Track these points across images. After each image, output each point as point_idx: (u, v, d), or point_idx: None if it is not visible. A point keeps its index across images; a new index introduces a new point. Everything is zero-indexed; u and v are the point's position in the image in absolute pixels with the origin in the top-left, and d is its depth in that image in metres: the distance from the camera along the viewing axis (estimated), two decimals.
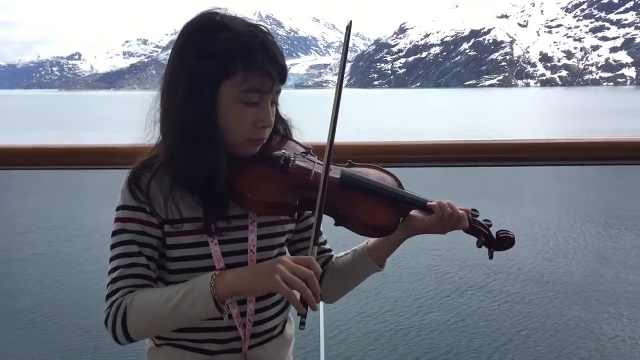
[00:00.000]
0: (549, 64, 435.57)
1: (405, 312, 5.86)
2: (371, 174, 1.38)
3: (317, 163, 1.31)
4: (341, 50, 1.27)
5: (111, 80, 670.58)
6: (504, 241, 1.35)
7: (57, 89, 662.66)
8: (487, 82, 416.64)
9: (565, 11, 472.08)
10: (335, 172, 1.30)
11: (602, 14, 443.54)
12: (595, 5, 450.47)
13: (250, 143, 1.25)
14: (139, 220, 1.21)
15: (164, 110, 1.24)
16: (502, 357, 4.95)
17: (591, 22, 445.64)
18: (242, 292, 1.14)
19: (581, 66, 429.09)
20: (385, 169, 1.42)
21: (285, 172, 1.27)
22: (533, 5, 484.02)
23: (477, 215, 1.37)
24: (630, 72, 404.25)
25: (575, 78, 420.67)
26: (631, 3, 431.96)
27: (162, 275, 1.26)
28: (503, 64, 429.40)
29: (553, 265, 7.25)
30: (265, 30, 1.25)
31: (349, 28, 1.28)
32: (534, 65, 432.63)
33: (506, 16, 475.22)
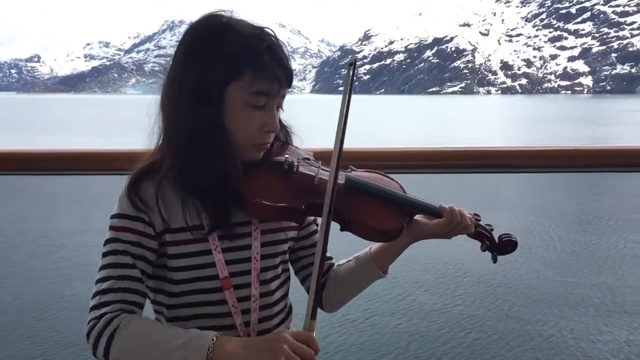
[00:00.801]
0: (509, 72, 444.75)
1: (359, 317, 5.90)
2: (374, 178, 1.38)
3: (321, 169, 1.31)
4: (344, 84, 1.25)
5: (72, 83, 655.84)
6: (507, 245, 1.37)
7: (15, 92, 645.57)
8: (450, 90, 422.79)
9: (525, 21, 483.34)
10: (340, 177, 1.27)
11: (561, 24, 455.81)
12: (554, 16, 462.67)
13: (255, 148, 1.23)
14: (135, 230, 1.17)
15: (167, 115, 1.21)
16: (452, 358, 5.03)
17: (550, 32, 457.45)
18: None
19: (540, 74, 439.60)
20: (388, 174, 1.42)
21: (289, 177, 1.26)
22: (494, 15, 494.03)
23: (480, 220, 1.39)
24: (587, 80, 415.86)
25: (534, 86, 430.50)
26: (588, 14, 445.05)
27: (163, 287, 1.23)
28: (465, 71, 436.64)
29: (502, 268, 7.40)
30: (272, 33, 1.23)
31: (353, 65, 1.25)
32: (495, 73, 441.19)
33: (468, 25, 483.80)
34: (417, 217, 1.35)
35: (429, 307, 6.16)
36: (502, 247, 1.37)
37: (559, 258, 8.00)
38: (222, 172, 1.17)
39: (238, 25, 1.20)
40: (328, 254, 1.40)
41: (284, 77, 1.20)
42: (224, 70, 1.17)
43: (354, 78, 1.25)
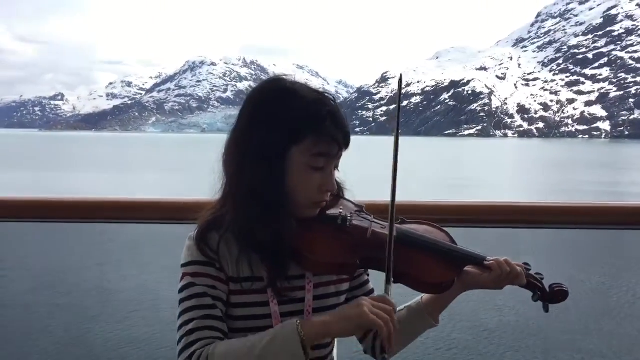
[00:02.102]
0: (526, 116, 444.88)
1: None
2: (424, 230, 1.40)
3: (373, 221, 1.34)
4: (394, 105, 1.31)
5: (93, 121, 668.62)
6: (558, 294, 1.37)
7: (38, 129, 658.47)
8: (467, 132, 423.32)
9: (542, 65, 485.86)
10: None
11: (578, 69, 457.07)
12: (570, 61, 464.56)
13: (313, 205, 1.29)
14: (209, 275, 1.23)
15: (231, 173, 1.27)
16: None
17: (567, 77, 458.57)
18: (332, 333, 1.15)
19: (557, 118, 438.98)
20: (437, 225, 1.44)
21: (343, 231, 1.29)
22: (511, 59, 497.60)
23: (530, 270, 1.39)
24: (605, 125, 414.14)
25: (551, 130, 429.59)
26: (605, 59, 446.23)
27: None
28: (482, 114, 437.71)
29: (498, 313, 7.19)
30: (332, 97, 1.30)
31: (400, 82, 1.32)
32: (511, 116, 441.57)
33: (485, 69, 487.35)
34: (468, 268, 1.37)
35: (422, 352, 5.98)
36: (553, 296, 1.37)
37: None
38: (279, 229, 1.22)
39: (301, 90, 1.26)
40: None
41: (343, 140, 1.26)
42: (287, 134, 1.22)
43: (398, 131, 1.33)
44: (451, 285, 1.34)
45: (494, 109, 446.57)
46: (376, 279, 1.43)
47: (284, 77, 1.30)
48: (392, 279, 1.25)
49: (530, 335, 6.55)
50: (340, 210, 1.33)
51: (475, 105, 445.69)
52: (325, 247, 1.26)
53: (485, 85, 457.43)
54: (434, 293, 1.36)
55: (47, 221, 1.93)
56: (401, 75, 1.34)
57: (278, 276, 1.24)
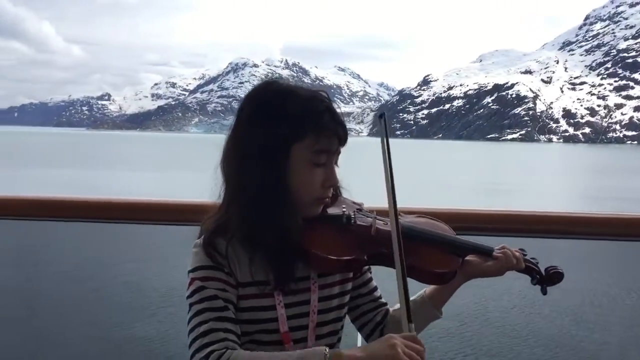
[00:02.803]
0: (572, 121, 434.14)
1: None
2: (424, 223, 1.44)
3: (376, 218, 1.37)
4: (381, 133, 1.30)
5: (138, 121, 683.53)
6: (554, 277, 1.43)
7: (85, 128, 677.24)
8: (510, 136, 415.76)
9: (590, 69, 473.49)
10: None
11: (627, 73, 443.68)
12: (619, 65, 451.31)
13: (316, 202, 1.30)
14: (219, 279, 1.22)
15: (232, 175, 1.27)
16: None
17: (615, 81, 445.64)
18: None
19: (604, 124, 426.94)
20: (436, 218, 1.48)
21: (348, 229, 1.32)
22: (557, 63, 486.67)
23: (526, 255, 1.45)
24: None
25: (598, 135, 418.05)
26: None
27: None
28: (526, 118, 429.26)
29: (531, 319, 7.03)
30: (326, 95, 1.31)
31: (382, 117, 1.33)
32: (557, 121, 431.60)
33: (530, 72, 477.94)
34: (470, 257, 1.40)
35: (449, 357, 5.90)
36: (549, 278, 1.43)
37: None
38: (285, 228, 1.23)
39: (296, 90, 1.29)
40: (383, 300, 1.49)
41: (342, 135, 1.29)
42: (288, 132, 1.23)
43: (387, 130, 1.31)
44: (455, 275, 1.37)
45: (539, 113, 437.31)
46: (377, 274, 1.45)
47: (278, 79, 1.31)
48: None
49: (569, 349, 6.43)
50: (343, 209, 1.35)
51: (519, 109, 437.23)
52: (333, 246, 1.27)
53: (530, 89, 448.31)
54: (440, 283, 1.38)
55: (81, 221, 2.01)
56: (384, 113, 1.34)
57: (286, 279, 1.24)
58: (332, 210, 1.35)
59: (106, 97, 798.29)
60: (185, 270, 1.25)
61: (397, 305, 1.41)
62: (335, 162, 1.32)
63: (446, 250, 1.38)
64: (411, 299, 1.39)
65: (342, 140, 1.29)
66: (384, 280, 1.49)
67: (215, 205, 1.31)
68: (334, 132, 1.26)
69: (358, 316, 1.47)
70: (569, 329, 6.88)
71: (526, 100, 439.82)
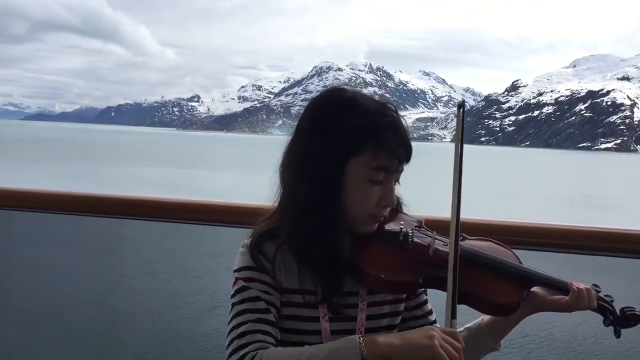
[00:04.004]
0: None
1: None
2: (488, 248, 1.33)
3: (435, 238, 1.28)
4: (456, 125, 1.21)
5: (225, 122, 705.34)
6: (631, 318, 1.29)
7: (176, 128, 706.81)
8: (603, 146, 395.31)
9: None
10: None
11: None
12: None
13: (370, 220, 1.24)
14: (264, 282, 1.20)
15: (287, 184, 1.24)
16: None
17: None
18: (395, 356, 1.09)
19: None
20: (501, 242, 1.37)
21: (404, 248, 1.24)
22: None
23: (600, 292, 1.32)
24: None
25: None
26: None
27: None
28: (622, 127, 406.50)
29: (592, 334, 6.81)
30: (394, 108, 1.24)
31: (462, 107, 1.21)
32: None
33: (628, 79, 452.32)
34: (535, 289, 1.30)
35: None
36: (625, 320, 1.30)
37: None
38: (335, 244, 1.18)
39: (362, 100, 1.22)
40: (437, 326, 1.36)
41: (403, 154, 1.21)
42: (346, 145, 1.18)
43: (463, 127, 1.19)
44: (517, 308, 1.26)
45: (636, 122, 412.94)
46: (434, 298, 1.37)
47: (345, 86, 1.26)
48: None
49: None
50: (401, 226, 1.27)
51: (615, 117, 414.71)
52: (387, 265, 1.22)
53: (627, 97, 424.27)
54: (498, 315, 1.29)
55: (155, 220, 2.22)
56: (463, 101, 1.23)
57: (333, 292, 1.20)
58: (389, 227, 1.27)
59: (196, 99, 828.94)
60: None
61: None
62: (396, 180, 1.26)
63: (510, 279, 1.27)
64: (467, 325, 1.34)
65: (404, 160, 1.23)
66: (437, 296, 1.37)
67: (272, 208, 1.28)
68: (395, 150, 1.20)
69: None
70: None
71: (623, 108, 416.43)
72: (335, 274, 1.20)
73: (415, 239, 1.26)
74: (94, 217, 2.37)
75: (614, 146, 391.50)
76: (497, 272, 1.27)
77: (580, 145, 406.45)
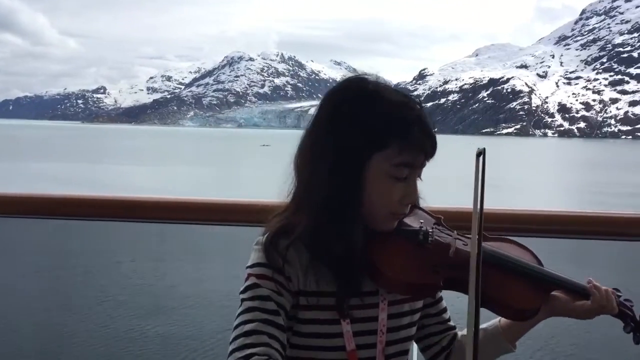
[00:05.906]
0: (567, 115, 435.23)
1: None
2: (506, 248, 1.28)
3: (457, 238, 1.23)
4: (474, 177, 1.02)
5: (134, 114, 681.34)
6: None
7: (81, 121, 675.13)
8: (505, 131, 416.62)
9: (585, 64, 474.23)
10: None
11: (622, 68, 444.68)
12: (615, 59, 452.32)
13: (391, 217, 1.19)
14: (277, 281, 1.14)
15: (303, 177, 1.19)
16: None
17: (611, 76, 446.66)
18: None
19: (600, 118, 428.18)
20: (521, 243, 1.32)
21: (424, 248, 1.19)
22: (553, 57, 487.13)
23: (621, 296, 1.27)
24: None
25: (593, 130, 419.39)
26: None
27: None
28: (521, 113, 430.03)
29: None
30: (418, 101, 1.19)
31: (482, 155, 1.03)
32: (552, 115, 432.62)
33: (526, 67, 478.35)
34: (555, 292, 1.25)
35: None
36: None
37: None
38: (352, 241, 1.14)
39: (385, 92, 1.16)
40: (451, 323, 1.37)
41: (430, 148, 1.16)
42: (369, 140, 1.13)
43: (484, 178, 1.03)
44: (537, 312, 1.22)
45: (534, 108, 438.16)
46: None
47: (366, 76, 1.19)
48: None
49: None
50: (421, 224, 1.21)
51: (515, 103, 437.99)
52: (406, 265, 1.16)
53: (526, 84, 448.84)
54: (520, 320, 1.24)
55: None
56: (484, 149, 1.03)
57: (349, 293, 1.15)
58: (407, 224, 1.22)
59: (101, 90, 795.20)
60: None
61: (465, 331, 1.28)
62: (419, 175, 1.20)
63: (532, 283, 1.22)
64: (483, 326, 1.28)
65: (429, 155, 1.17)
66: (455, 299, 1.35)
67: (283, 203, 1.22)
68: (421, 146, 1.14)
69: (423, 337, 1.35)
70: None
71: (522, 95, 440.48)
72: (352, 274, 1.15)
73: (436, 238, 1.21)
74: None
75: (514, 131, 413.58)
76: (520, 275, 1.22)
77: (483, 130, 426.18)
